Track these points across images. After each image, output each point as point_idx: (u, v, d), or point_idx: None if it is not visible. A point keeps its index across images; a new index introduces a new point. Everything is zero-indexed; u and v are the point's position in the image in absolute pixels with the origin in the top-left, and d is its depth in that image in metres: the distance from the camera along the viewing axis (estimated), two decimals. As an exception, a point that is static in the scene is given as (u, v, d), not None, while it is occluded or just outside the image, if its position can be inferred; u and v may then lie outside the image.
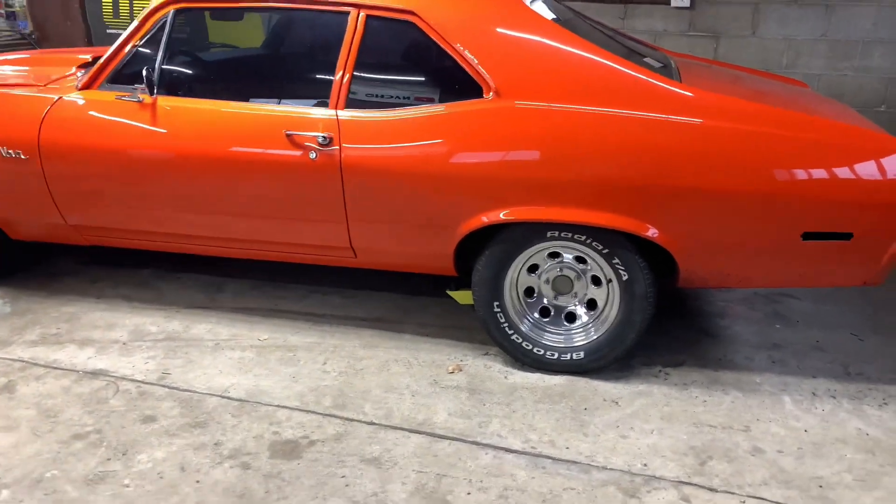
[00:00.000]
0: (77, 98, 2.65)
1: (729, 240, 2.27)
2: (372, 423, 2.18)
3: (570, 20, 2.76)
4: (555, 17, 2.61)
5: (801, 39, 4.35)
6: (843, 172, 2.16)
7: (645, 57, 2.82)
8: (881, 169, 2.17)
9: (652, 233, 2.25)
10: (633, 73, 2.27)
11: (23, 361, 2.49)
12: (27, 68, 3.27)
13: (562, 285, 2.50)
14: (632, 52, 2.81)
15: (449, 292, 2.70)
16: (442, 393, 2.35)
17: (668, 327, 2.84)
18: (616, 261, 2.35)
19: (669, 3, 4.65)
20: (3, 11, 6.37)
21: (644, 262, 2.34)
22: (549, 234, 2.36)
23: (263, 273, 3.17)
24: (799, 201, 2.18)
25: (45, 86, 2.80)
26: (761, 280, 2.47)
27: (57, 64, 3.14)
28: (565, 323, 2.52)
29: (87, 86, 2.67)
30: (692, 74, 2.79)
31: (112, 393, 2.31)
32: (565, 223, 2.30)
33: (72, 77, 2.85)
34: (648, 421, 2.24)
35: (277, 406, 2.25)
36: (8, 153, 2.67)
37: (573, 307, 2.52)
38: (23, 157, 2.65)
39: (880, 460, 2.10)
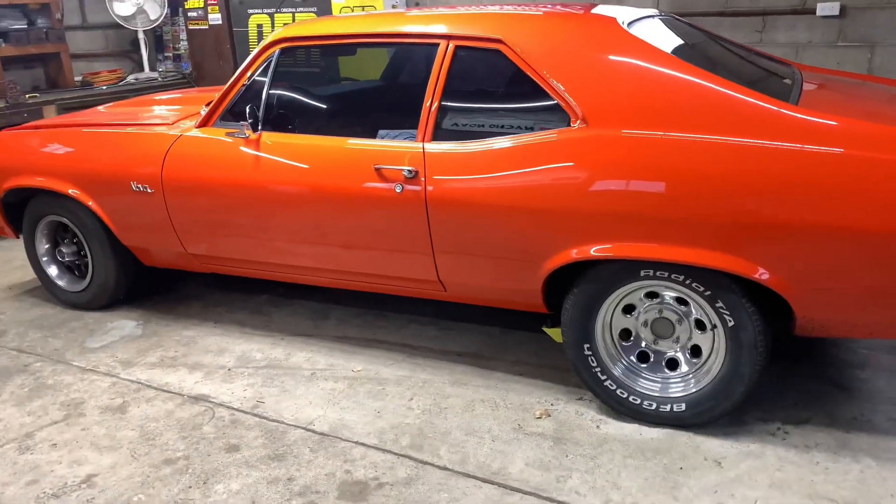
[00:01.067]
0: (195, 134, 2.87)
1: (853, 284, 1.98)
2: (445, 469, 2.12)
3: (686, 41, 2.58)
4: (664, 38, 2.45)
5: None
6: None
7: (766, 75, 2.57)
8: None
9: (762, 274, 2.02)
10: (739, 96, 2.07)
11: (139, 383, 2.70)
12: (171, 106, 3.61)
13: (662, 329, 2.30)
14: (749, 71, 2.57)
15: (545, 329, 2.58)
16: (524, 440, 2.24)
17: (795, 378, 2.53)
18: (720, 304, 2.13)
19: (815, 13, 4.24)
20: (171, 54, 7.14)
21: (753, 307, 2.09)
22: (642, 273, 2.19)
23: (367, 301, 3.23)
24: None
25: (172, 123, 3.06)
26: (891, 329, 2.13)
27: (196, 102, 3.42)
28: (664, 370, 2.32)
29: (203, 123, 2.88)
30: (817, 94, 2.51)
31: (208, 419, 2.43)
32: (660, 261, 2.13)
33: (195, 115, 3.09)
34: (754, 487, 1.99)
35: (355, 443, 2.26)
36: (138, 187, 2.93)
37: (674, 353, 2.31)
38: (149, 190, 2.90)
39: None
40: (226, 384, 2.66)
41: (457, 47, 2.43)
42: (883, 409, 2.36)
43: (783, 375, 2.53)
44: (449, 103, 2.42)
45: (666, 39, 2.47)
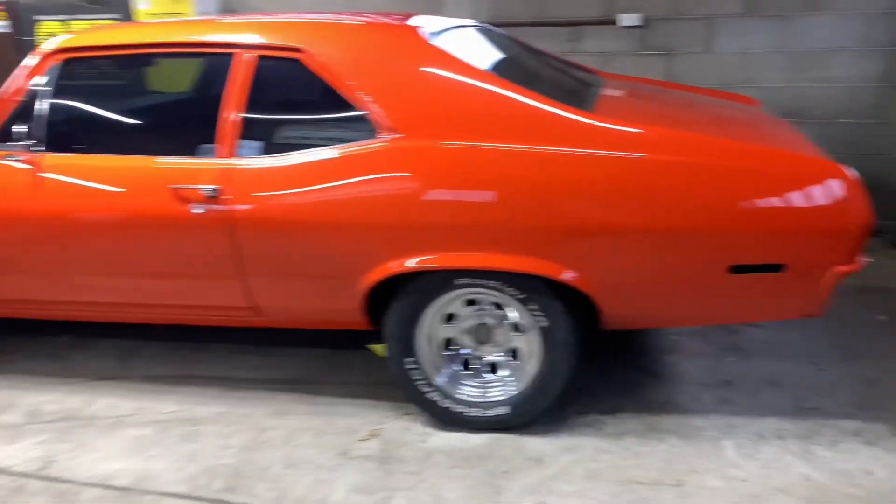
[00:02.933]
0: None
1: (649, 278, 2.18)
2: (262, 507, 2.07)
3: (497, 51, 2.71)
4: (473, 48, 2.56)
5: (757, 53, 4.31)
6: (769, 202, 2.06)
7: (571, 84, 2.77)
8: (811, 196, 2.07)
9: (568, 275, 2.17)
10: (540, 106, 2.20)
11: None
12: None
13: (482, 334, 2.40)
14: (556, 81, 2.76)
15: (369, 346, 2.60)
16: (348, 465, 2.24)
17: (610, 369, 2.74)
18: (533, 307, 2.26)
19: (616, 23, 4.63)
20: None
21: (564, 307, 2.24)
22: (457, 283, 2.27)
23: (184, 334, 3.07)
24: (723, 234, 2.09)
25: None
26: (689, 318, 2.39)
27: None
28: (485, 376, 2.42)
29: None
30: (620, 101, 2.74)
31: (-16, 487, 2.20)
32: (474, 269, 2.22)
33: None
34: (571, 482, 2.13)
35: (162, 493, 2.13)
36: None
37: (495, 357, 2.42)
38: None
39: (823, 512, 1.98)
40: (9, 446, 2.41)
41: (259, 57, 2.39)
42: (689, 390, 2.62)
43: (600, 368, 2.73)
44: (253, 116, 2.37)
45: (474, 49, 2.59)
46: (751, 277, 2.14)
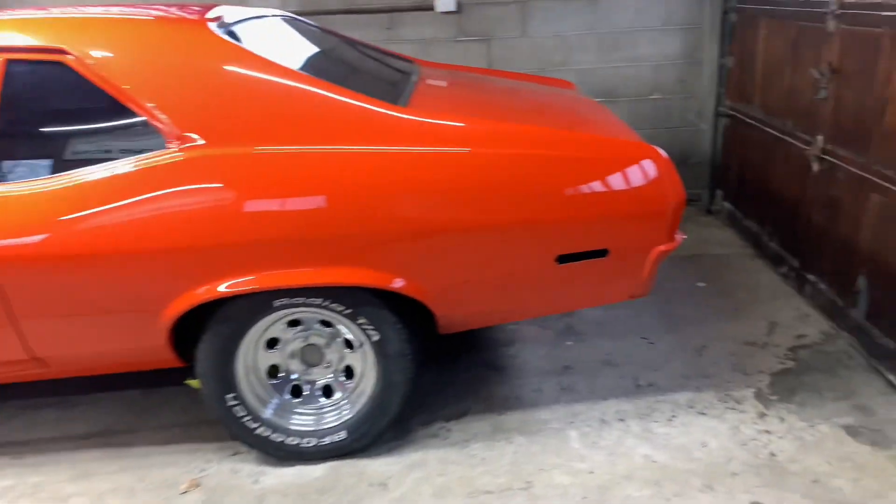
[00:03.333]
0: None
1: (480, 277, 2.09)
2: None
3: (305, 43, 2.49)
4: (277, 40, 2.32)
5: (570, 35, 4.40)
6: (590, 188, 2.04)
7: (389, 75, 2.62)
8: (627, 179, 2.07)
9: (397, 283, 2.03)
10: (354, 103, 2.02)
11: None
12: None
13: (312, 356, 2.21)
14: (367, 72, 2.60)
15: (187, 382, 2.32)
16: (167, 525, 1.98)
17: (453, 371, 2.65)
18: (362, 320, 2.10)
19: (433, 9, 4.55)
20: None
21: (395, 317, 2.10)
22: (276, 304, 2.06)
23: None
24: (549, 225, 2.04)
25: None
26: (524, 312, 2.34)
27: None
28: (320, 400, 2.23)
29: None
30: (434, 93, 2.63)
31: None
32: (291, 288, 2.02)
33: None
34: (419, 502, 2.01)
35: None
36: None
37: (328, 379, 2.24)
38: None
39: (667, 492, 2.00)
40: None
41: (9, 61, 2.01)
42: (531, 381, 2.59)
43: (442, 371, 2.63)
44: (7, 133, 2.00)
45: (280, 42, 2.36)
46: (578, 265, 2.12)
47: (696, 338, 2.86)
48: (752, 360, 2.66)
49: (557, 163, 2.03)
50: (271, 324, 2.12)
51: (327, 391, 2.24)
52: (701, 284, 3.36)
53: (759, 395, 2.43)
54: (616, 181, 2.07)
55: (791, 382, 2.50)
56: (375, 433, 2.20)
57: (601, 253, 2.13)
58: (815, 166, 2.95)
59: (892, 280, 2.46)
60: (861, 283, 2.65)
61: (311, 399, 2.23)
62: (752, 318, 2.99)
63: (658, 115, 4.36)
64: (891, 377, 2.46)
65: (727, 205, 4.11)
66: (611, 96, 4.36)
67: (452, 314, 2.16)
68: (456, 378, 2.60)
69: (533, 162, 2.02)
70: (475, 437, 2.27)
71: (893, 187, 2.41)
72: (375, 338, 2.11)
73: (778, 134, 3.33)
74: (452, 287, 2.10)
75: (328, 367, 2.22)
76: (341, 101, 2.02)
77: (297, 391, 2.23)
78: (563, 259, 2.10)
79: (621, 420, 2.34)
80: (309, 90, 2.02)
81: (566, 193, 2.04)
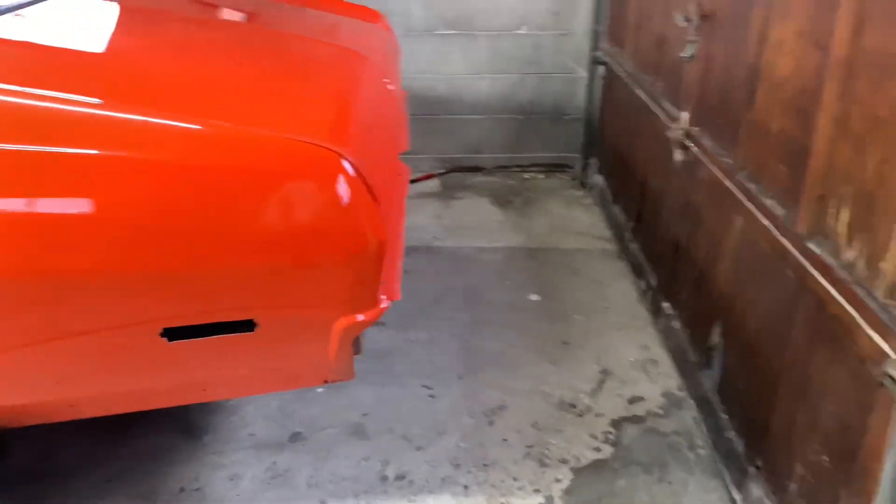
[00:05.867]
0: None
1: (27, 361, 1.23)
2: None
3: None
4: None
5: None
6: (211, 218, 1.20)
7: None
8: (288, 205, 1.22)
9: None
10: None
11: None
12: None
13: None
14: None
15: None
16: None
17: (131, 439, 1.83)
18: None
19: None
20: None
21: None
22: None
23: None
24: (146, 284, 1.19)
25: None
26: (129, 404, 1.48)
27: None
28: None
29: None
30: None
31: None
32: None
33: None
34: None
35: None
36: None
37: None
38: None
39: None
40: None
41: None
42: (231, 459, 1.78)
43: (116, 442, 1.81)
44: None
45: None
46: (201, 343, 1.27)
47: (494, 390, 2.08)
48: (559, 441, 1.90)
49: (156, 173, 1.15)
50: None
51: None
52: (534, 298, 2.56)
53: (542, 513, 1.67)
54: (268, 208, 1.20)
55: (597, 489, 1.74)
56: None
57: (244, 325, 1.28)
58: (678, 155, 2.11)
59: (746, 345, 1.68)
60: (716, 335, 1.87)
61: None
62: (582, 359, 2.23)
63: (526, 55, 3.42)
64: (735, 495, 1.69)
65: (600, 179, 3.26)
66: (466, 29, 3.39)
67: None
68: (132, 450, 1.78)
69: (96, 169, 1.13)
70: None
71: (756, 211, 1.59)
72: None
73: (645, 98, 2.46)
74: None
75: None
76: None
77: None
78: (171, 334, 1.25)
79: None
80: None
81: (168, 227, 1.16)
